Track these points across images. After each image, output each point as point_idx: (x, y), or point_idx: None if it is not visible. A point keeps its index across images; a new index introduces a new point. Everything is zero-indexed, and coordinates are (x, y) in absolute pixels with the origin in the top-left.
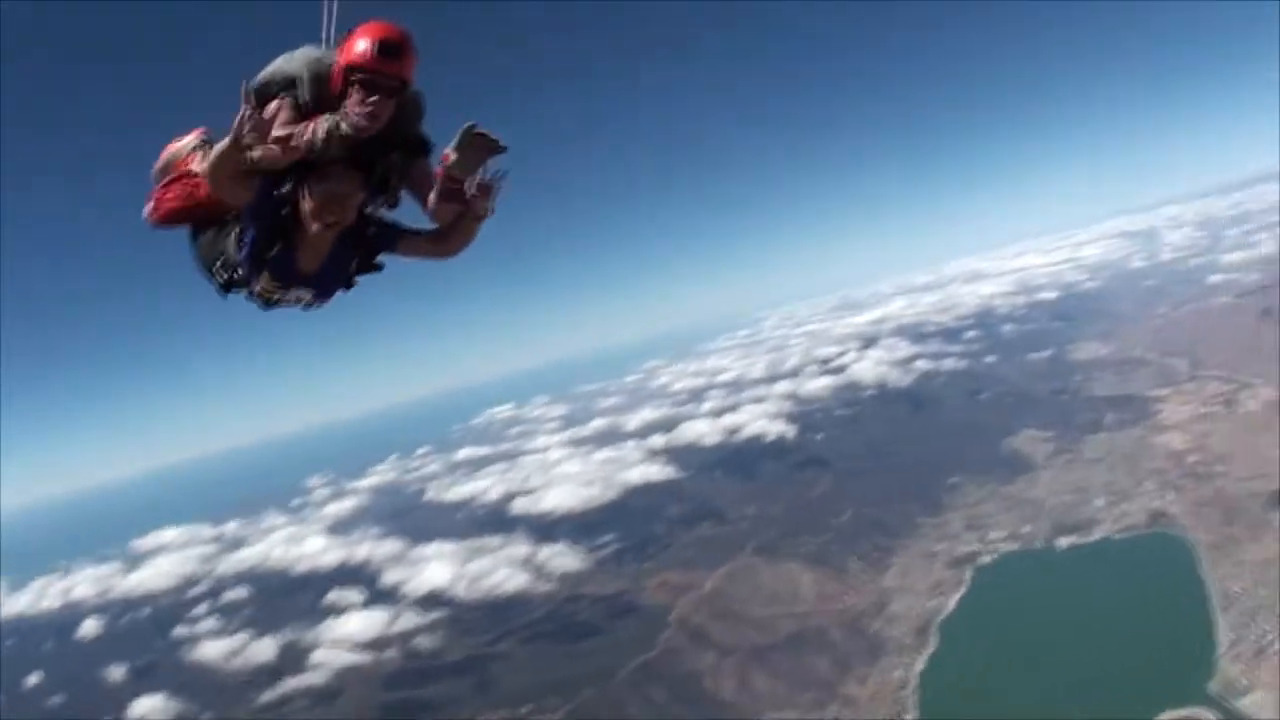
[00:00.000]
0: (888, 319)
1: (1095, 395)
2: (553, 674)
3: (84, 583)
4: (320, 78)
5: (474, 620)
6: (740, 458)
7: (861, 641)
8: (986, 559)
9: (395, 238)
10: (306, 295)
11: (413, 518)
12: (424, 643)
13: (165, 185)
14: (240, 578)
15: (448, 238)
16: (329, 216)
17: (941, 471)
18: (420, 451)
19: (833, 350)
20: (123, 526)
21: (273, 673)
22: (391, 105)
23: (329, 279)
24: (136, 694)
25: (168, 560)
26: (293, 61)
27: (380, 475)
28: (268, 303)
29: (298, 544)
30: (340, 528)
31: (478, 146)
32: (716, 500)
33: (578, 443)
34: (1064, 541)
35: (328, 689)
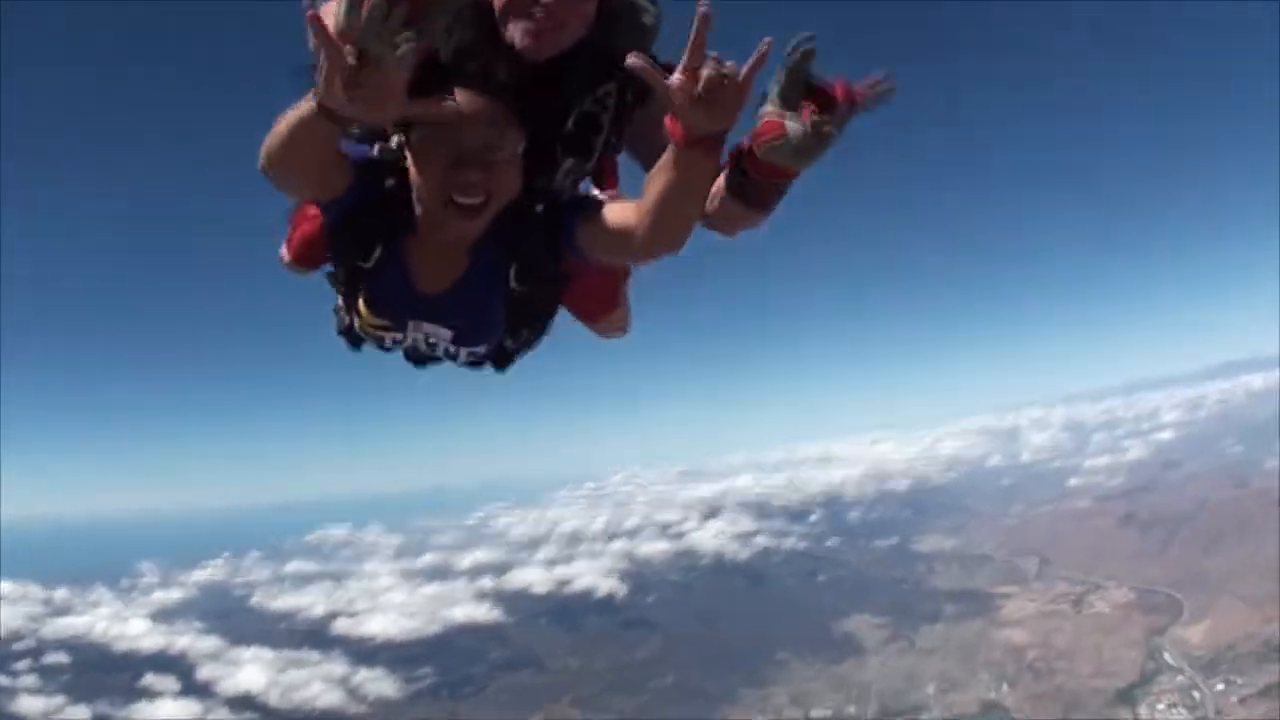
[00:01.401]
0: (734, 492)
1: (936, 587)
2: None
3: None
4: None
5: None
6: (568, 610)
7: None
8: None
9: (589, 218)
10: (442, 334)
11: (236, 619)
12: None
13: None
14: (62, 643)
15: (661, 200)
16: (468, 195)
17: (770, 646)
18: (252, 555)
19: (674, 516)
20: None
21: None
22: (585, 5)
23: (476, 306)
24: None
25: None
26: None
27: (210, 572)
28: (383, 346)
29: (121, 623)
30: (164, 616)
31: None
32: (539, 649)
33: (408, 574)
34: None
35: None
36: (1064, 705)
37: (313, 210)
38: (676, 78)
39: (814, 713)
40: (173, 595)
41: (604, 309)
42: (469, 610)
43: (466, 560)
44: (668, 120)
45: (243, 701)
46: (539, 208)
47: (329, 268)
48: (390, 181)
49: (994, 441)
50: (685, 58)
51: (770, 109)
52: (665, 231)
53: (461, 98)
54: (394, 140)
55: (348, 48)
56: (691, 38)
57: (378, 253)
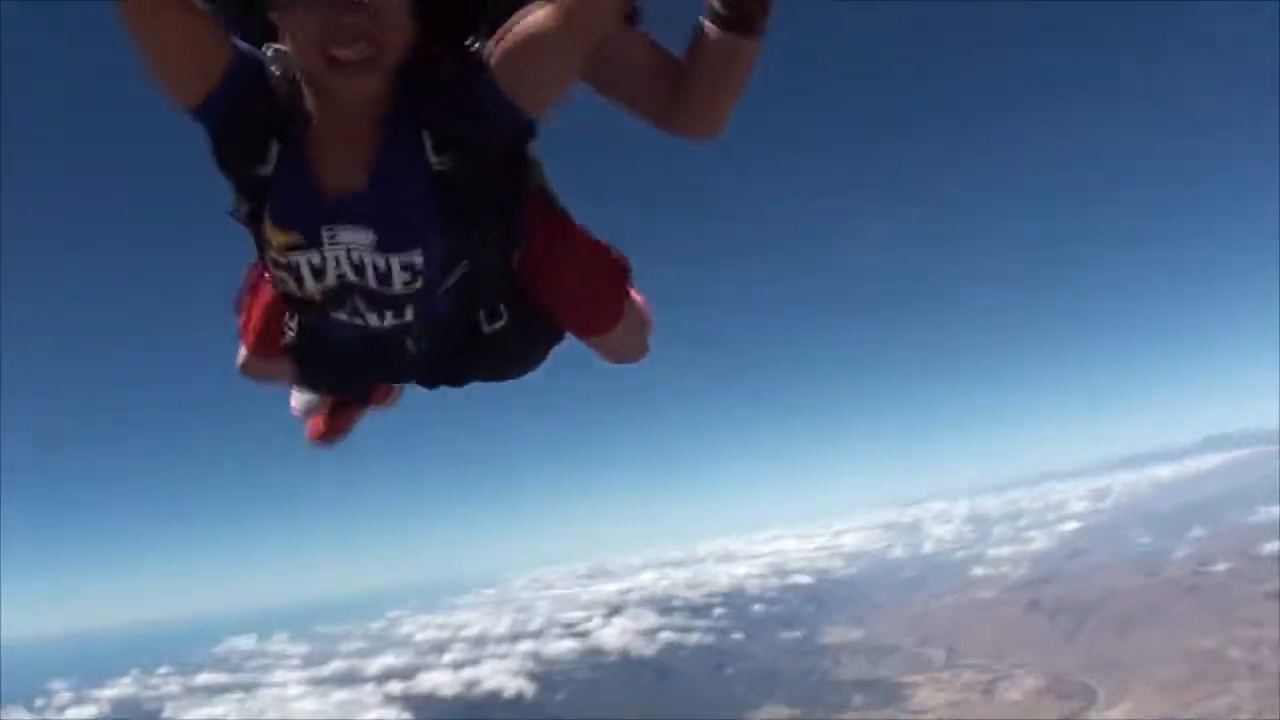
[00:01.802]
0: (636, 589)
1: (843, 678)
2: None
3: None
4: None
5: None
6: (477, 711)
7: None
8: None
9: (491, 51)
10: (361, 240)
11: None
12: None
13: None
14: None
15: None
16: (348, 48)
17: None
18: (161, 670)
19: (579, 615)
20: None
21: None
22: None
23: (394, 196)
24: None
25: None
26: None
27: (121, 688)
28: (301, 292)
29: None
30: None
31: None
32: None
33: (316, 681)
34: None
35: None
36: None
37: (261, 281)
38: None
39: None
40: (86, 713)
41: (602, 320)
42: (379, 715)
43: (374, 665)
44: None
45: None
46: (446, 57)
47: (231, 206)
48: (274, 61)
49: (896, 534)
50: None
51: None
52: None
53: None
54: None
55: None
56: None
57: (274, 150)
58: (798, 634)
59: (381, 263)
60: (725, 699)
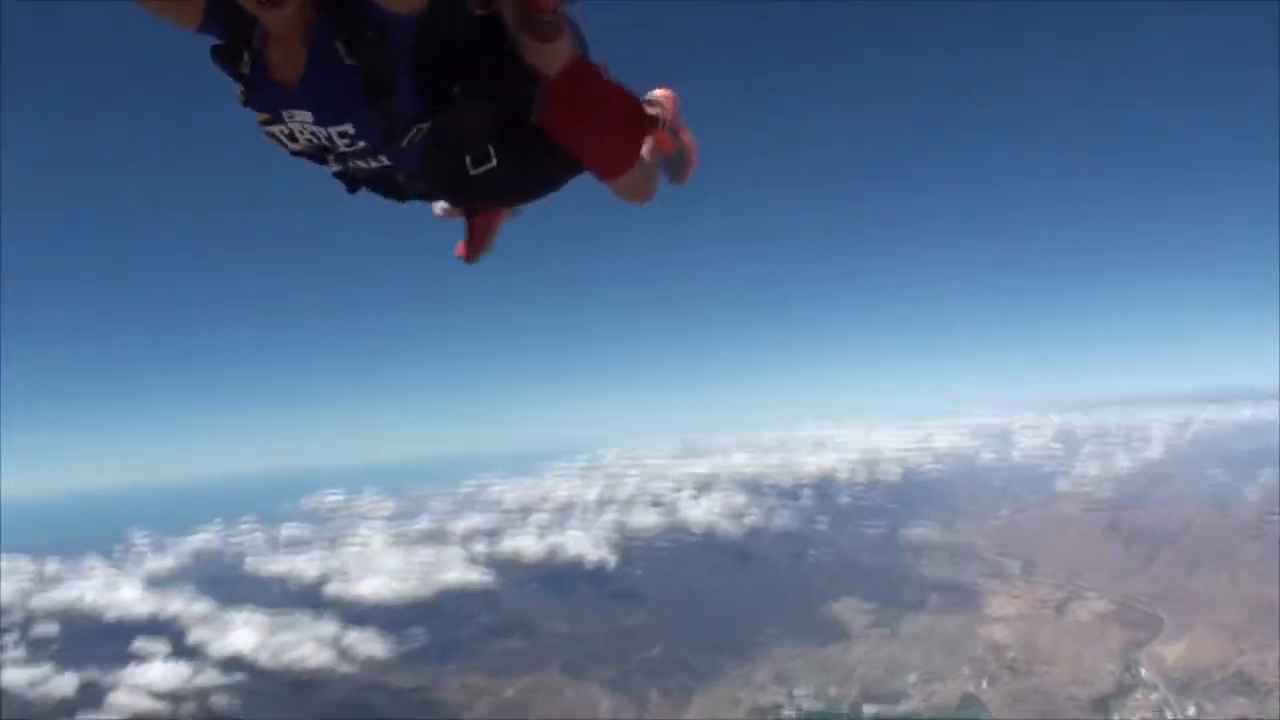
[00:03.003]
0: (727, 469)
1: (923, 577)
2: None
3: None
4: None
5: (272, 690)
6: (559, 577)
7: None
8: (789, 714)
9: None
10: (305, 117)
11: (228, 583)
12: (220, 703)
13: None
14: (52, 614)
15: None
16: None
17: (756, 623)
18: (245, 522)
19: (667, 490)
20: None
21: (70, 707)
22: None
23: (323, 85)
24: None
25: None
26: None
27: (203, 538)
28: (278, 142)
29: (113, 590)
30: (156, 582)
31: None
32: (529, 614)
33: (401, 538)
34: (870, 710)
35: None
36: (1040, 707)
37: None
38: None
39: (796, 691)
40: (165, 563)
41: (610, 165)
42: (461, 574)
43: (460, 526)
44: None
45: (233, 663)
46: None
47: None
48: None
49: (987, 440)
50: None
51: None
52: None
53: None
54: None
55: None
56: None
57: (246, 57)
58: (882, 528)
59: (323, 132)
60: (803, 587)
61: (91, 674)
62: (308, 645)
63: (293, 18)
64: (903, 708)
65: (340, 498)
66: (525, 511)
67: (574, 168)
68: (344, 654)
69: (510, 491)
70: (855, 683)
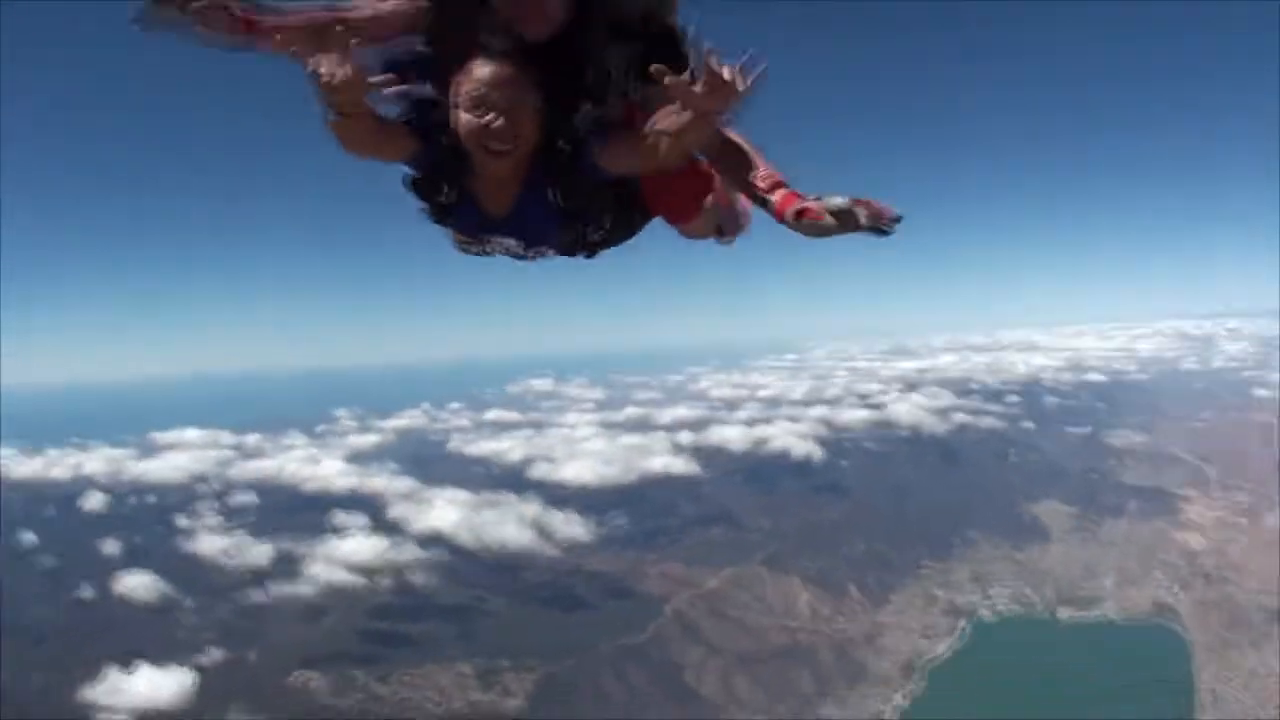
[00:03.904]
0: (934, 369)
1: (1123, 482)
2: (538, 636)
3: (96, 460)
4: None
5: (471, 569)
6: (764, 469)
7: (847, 667)
8: (985, 614)
9: (599, 148)
10: (513, 245)
11: (431, 462)
12: (417, 579)
13: None
14: (250, 485)
15: (657, 140)
16: (496, 142)
17: (957, 522)
18: (452, 405)
19: (875, 388)
20: (144, 418)
21: (263, 575)
22: None
23: (532, 220)
24: (127, 568)
25: (183, 456)
26: None
27: (408, 419)
28: (468, 252)
29: (313, 464)
30: (358, 458)
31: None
32: (732, 506)
33: (607, 425)
34: (1065, 613)
35: (314, 605)
36: (1230, 617)
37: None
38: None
39: (993, 592)
40: (368, 440)
41: (682, 216)
42: (666, 462)
43: (667, 415)
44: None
45: (432, 539)
46: (564, 144)
47: (415, 195)
48: (446, 139)
49: (1189, 345)
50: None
51: (817, 205)
52: (659, 159)
53: (481, 66)
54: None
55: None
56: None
57: (447, 189)
58: (1085, 431)
59: (522, 250)
60: (1007, 487)
61: (286, 544)
62: (509, 526)
63: (515, 167)
64: (1096, 612)
65: (548, 384)
66: (732, 405)
67: (649, 217)
68: (545, 535)
69: (718, 385)
70: (1052, 585)
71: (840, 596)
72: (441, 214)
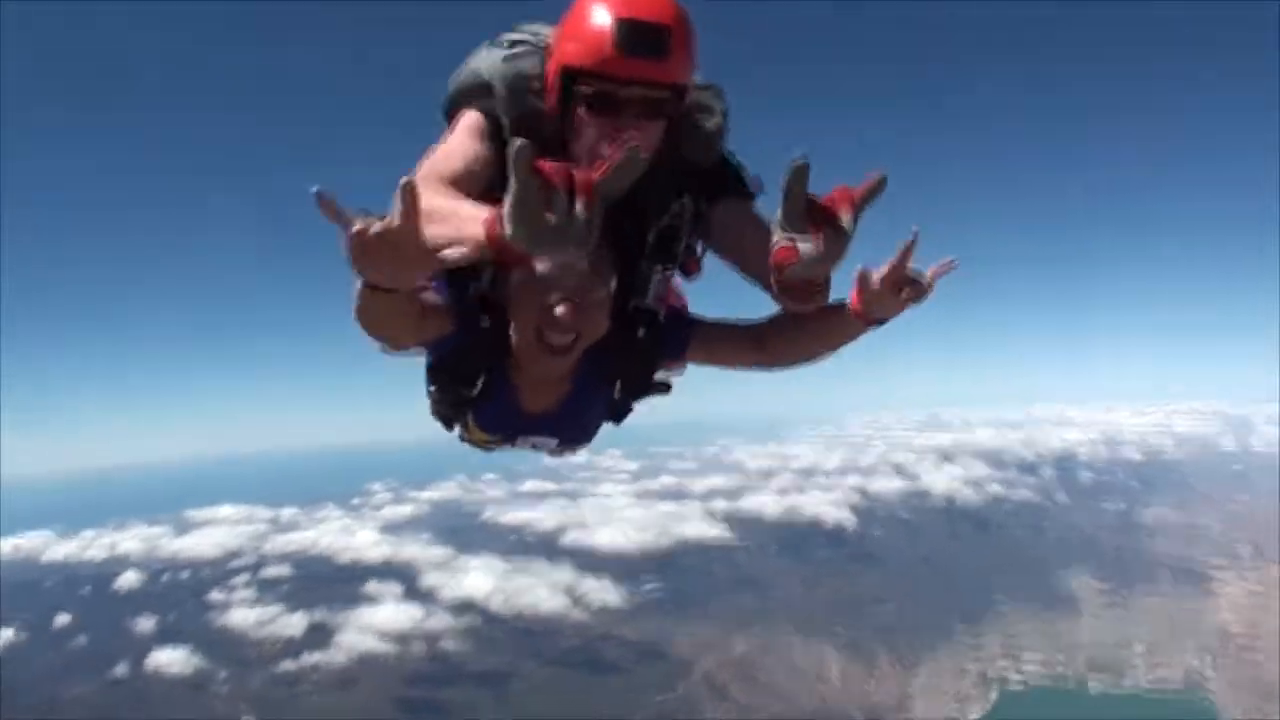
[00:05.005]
0: (970, 442)
1: (1157, 556)
2: (572, 701)
3: (132, 539)
4: (519, 90)
5: (504, 635)
6: (797, 537)
7: None
8: (1016, 684)
9: (685, 340)
10: (548, 443)
11: (465, 532)
12: (450, 646)
13: None
14: (285, 557)
15: (792, 340)
16: (558, 335)
17: (989, 592)
18: (486, 476)
19: (910, 458)
20: (179, 497)
21: (296, 646)
22: (657, 132)
23: (580, 418)
24: (160, 645)
25: (218, 532)
26: (483, 59)
27: (442, 491)
28: (483, 448)
29: (348, 535)
30: (392, 529)
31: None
32: (764, 571)
33: (642, 494)
34: (1095, 682)
35: (346, 673)
36: (1263, 693)
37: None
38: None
39: (1024, 660)
40: (403, 510)
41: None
42: (699, 529)
43: (701, 485)
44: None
45: (465, 606)
46: (640, 332)
47: (431, 384)
48: (485, 321)
49: (1227, 424)
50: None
51: (780, 237)
52: (783, 361)
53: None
54: (485, 279)
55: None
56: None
57: (480, 382)
58: (1120, 506)
59: (556, 450)
60: (1039, 559)
61: (321, 615)
62: (541, 591)
63: (567, 366)
64: (1128, 682)
65: (583, 457)
66: (767, 474)
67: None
68: (578, 601)
69: (753, 456)
70: (1082, 655)
71: (871, 664)
72: (459, 410)
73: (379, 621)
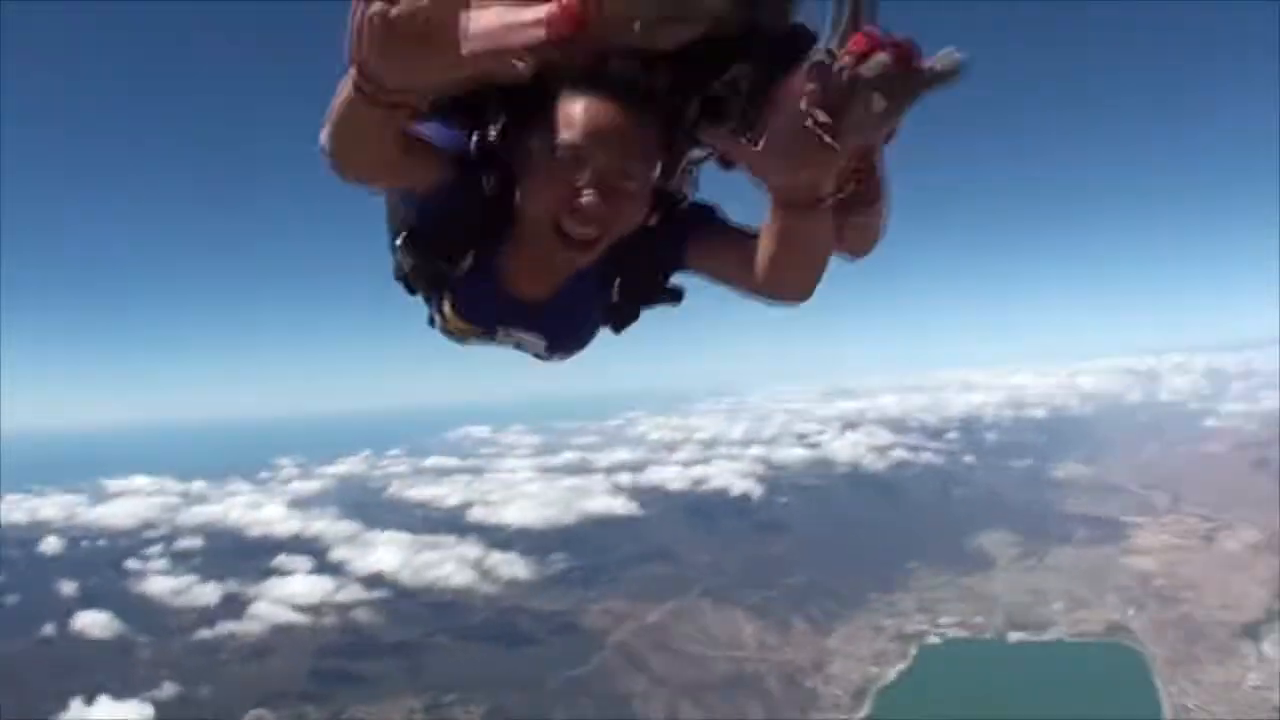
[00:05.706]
0: (873, 409)
1: (1068, 512)
2: (482, 671)
3: (51, 506)
4: None
5: (414, 608)
6: (703, 507)
7: (796, 694)
8: (934, 640)
9: (703, 241)
10: (535, 342)
11: (372, 507)
12: (362, 617)
13: None
14: (196, 530)
15: (811, 251)
16: (580, 227)
17: (901, 554)
18: (391, 452)
19: (813, 427)
20: (95, 466)
21: (212, 615)
22: None
23: (574, 316)
24: (83, 608)
25: (132, 502)
26: None
27: (348, 466)
28: (460, 340)
29: (256, 510)
30: (300, 503)
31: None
32: (672, 543)
33: (546, 469)
34: (1015, 636)
35: (261, 643)
36: (1188, 634)
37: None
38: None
39: (941, 620)
40: (310, 486)
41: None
42: (605, 503)
43: (605, 459)
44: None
45: (375, 580)
46: (654, 219)
47: (402, 262)
48: (489, 182)
49: (1133, 380)
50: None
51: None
52: (788, 284)
53: (596, 108)
54: (493, 131)
55: None
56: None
57: (467, 261)
58: (1028, 464)
59: (545, 353)
60: (949, 520)
61: (233, 586)
62: (450, 566)
63: (584, 263)
64: (1049, 635)
65: (486, 432)
66: (670, 446)
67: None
68: (486, 575)
69: (655, 428)
70: (1000, 611)
71: (785, 628)
72: (436, 284)
73: (292, 593)
